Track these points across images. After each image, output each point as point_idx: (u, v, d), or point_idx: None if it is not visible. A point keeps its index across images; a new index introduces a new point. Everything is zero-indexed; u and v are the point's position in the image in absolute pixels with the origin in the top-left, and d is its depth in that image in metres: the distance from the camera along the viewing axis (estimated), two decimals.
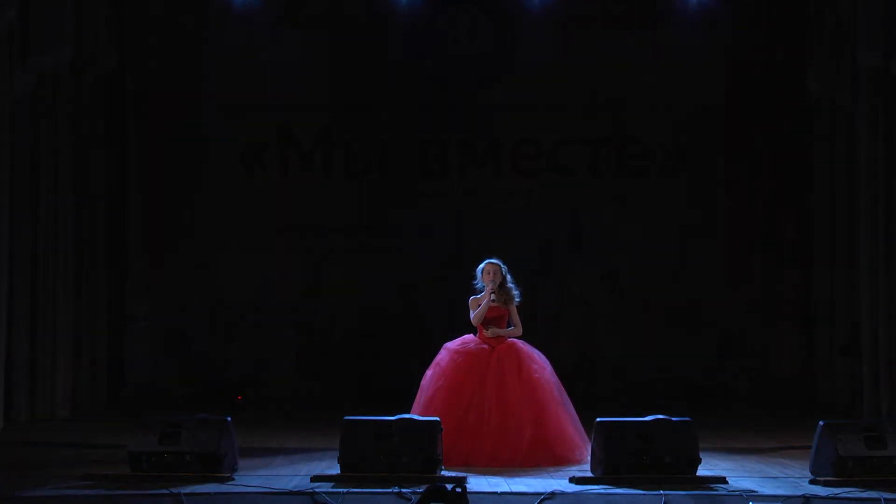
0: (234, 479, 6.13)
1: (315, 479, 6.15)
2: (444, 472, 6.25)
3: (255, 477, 6.34)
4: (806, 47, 10.63)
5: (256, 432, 8.50)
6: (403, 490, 5.74)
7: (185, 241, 10.98)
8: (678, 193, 11.03)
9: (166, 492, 5.71)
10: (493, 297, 7.33)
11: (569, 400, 7.31)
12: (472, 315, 7.42)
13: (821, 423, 6.26)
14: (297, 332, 10.95)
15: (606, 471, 6.14)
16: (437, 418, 6.36)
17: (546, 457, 6.92)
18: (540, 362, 7.32)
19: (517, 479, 6.39)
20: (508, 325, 7.44)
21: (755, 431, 8.96)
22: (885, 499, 5.66)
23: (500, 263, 7.48)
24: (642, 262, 10.97)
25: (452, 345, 7.41)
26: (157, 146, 10.95)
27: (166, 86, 10.92)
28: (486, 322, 7.39)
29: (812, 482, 6.17)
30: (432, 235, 10.83)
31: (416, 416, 6.44)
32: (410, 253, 10.85)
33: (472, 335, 7.48)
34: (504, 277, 7.46)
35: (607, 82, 10.96)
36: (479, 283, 7.51)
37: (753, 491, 5.94)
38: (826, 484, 6.04)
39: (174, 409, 9.75)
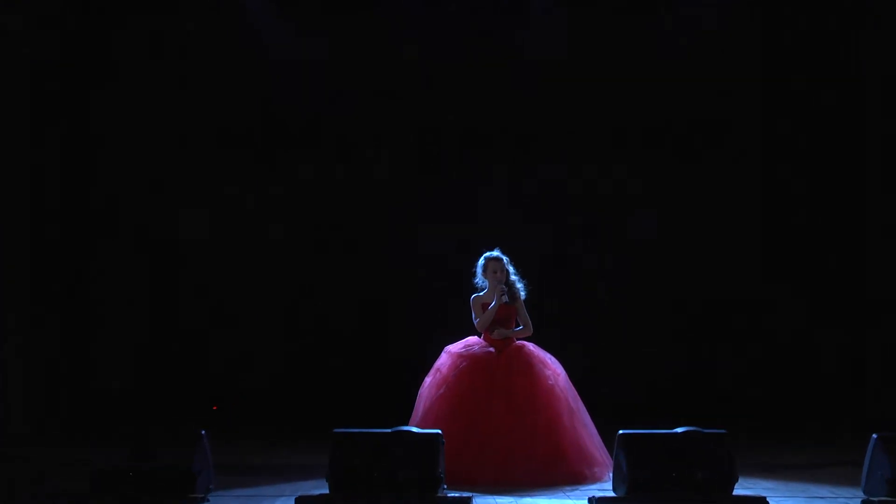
0: (209, 501, 6.10)
1: (301, 500, 6.10)
2: (447, 492, 6.20)
3: (233, 498, 6.32)
4: (856, 15, 10.54)
5: (235, 446, 8.48)
6: None
7: (157, 236, 10.83)
8: (708, 178, 10.90)
9: None
10: (505, 298, 7.27)
11: (585, 410, 7.27)
12: (475, 320, 7.36)
13: (874, 436, 6.19)
14: (284, 334, 10.86)
15: (631, 489, 6.08)
16: (439, 430, 6.31)
17: (562, 474, 6.87)
18: (553, 367, 7.27)
19: (529, 500, 6.34)
20: (516, 325, 7.40)
21: (798, 445, 8.93)
22: None
23: (503, 257, 7.44)
24: (668, 255, 10.84)
25: (454, 348, 7.35)
26: (125, 130, 10.81)
27: (135, 62, 10.81)
28: (494, 325, 7.33)
29: (864, 503, 6.13)
30: (434, 229, 10.75)
31: (414, 429, 6.39)
32: (410, 247, 10.77)
33: (475, 337, 7.43)
34: (509, 272, 7.42)
35: (625, 59, 10.81)
36: (478, 280, 7.47)
37: None
38: None
39: (143, 420, 9.74)
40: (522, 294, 7.44)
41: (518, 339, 7.36)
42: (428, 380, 7.28)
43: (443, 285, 9.92)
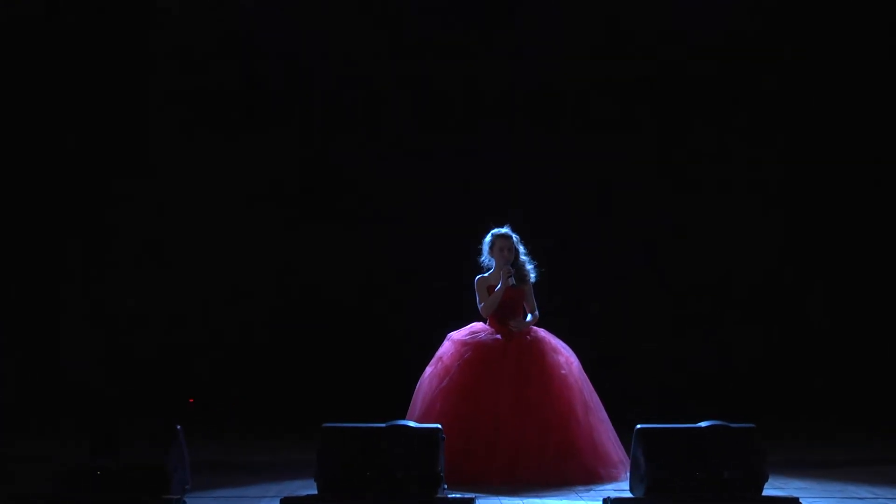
0: (185, 502, 6.04)
1: (287, 501, 6.05)
2: (448, 493, 6.14)
3: (211, 499, 6.30)
4: None
5: (214, 443, 8.50)
6: None
7: (127, 215, 10.82)
8: (734, 148, 10.84)
9: None
10: (512, 281, 7.20)
11: (601, 403, 7.21)
12: (480, 303, 7.28)
13: None
14: (267, 320, 10.85)
15: (649, 490, 6.01)
16: (439, 425, 6.25)
17: (575, 472, 6.82)
18: (567, 355, 7.21)
19: (538, 501, 6.30)
20: (523, 311, 7.32)
21: (833, 441, 8.94)
22: None
23: (513, 234, 7.37)
24: (689, 235, 10.81)
25: (458, 335, 7.27)
26: (92, 100, 10.72)
27: (103, 25, 10.71)
28: (501, 310, 7.24)
29: None
30: (433, 203, 10.69)
31: (412, 423, 6.32)
32: (406, 224, 10.72)
33: (481, 323, 7.35)
34: (518, 251, 7.34)
35: (645, 10, 10.77)
36: (485, 258, 7.39)
37: None
38: None
39: (112, 414, 9.68)
40: (532, 276, 7.37)
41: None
42: (429, 370, 7.20)
43: (445, 266, 9.86)
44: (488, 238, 7.38)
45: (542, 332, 7.27)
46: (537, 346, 7.15)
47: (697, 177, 10.81)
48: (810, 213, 10.83)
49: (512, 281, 7.20)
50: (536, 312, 7.34)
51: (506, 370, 7.04)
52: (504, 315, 7.27)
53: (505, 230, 7.37)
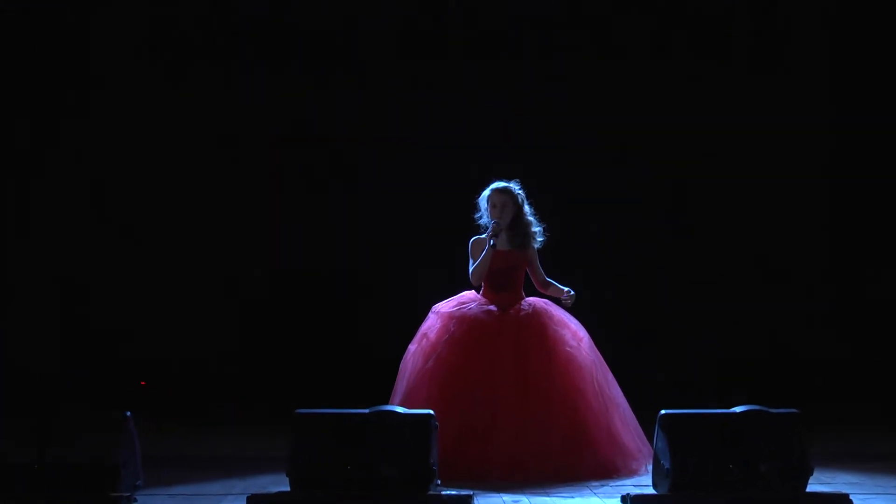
0: (136, 501, 5.99)
1: (254, 499, 5.98)
2: (442, 490, 6.06)
3: (167, 497, 6.29)
4: None
5: (171, 433, 8.55)
6: None
7: (71, 171, 10.79)
8: (776, 88, 10.81)
9: None
10: (493, 242, 7.08)
11: (617, 385, 7.15)
12: (470, 267, 7.21)
13: None
14: (231, 293, 10.85)
15: (675, 485, 5.94)
16: (431, 411, 6.19)
17: (587, 465, 6.78)
18: (574, 329, 7.14)
19: (545, 499, 6.27)
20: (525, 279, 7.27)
21: (888, 429, 9.01)
22: None
23: (515, 189, 7.26)
24: (723, 188, 10.79)
25: (445, 307, 7.20)
26: (20, 33, 10.69)
27: None
28: (496, 277, 7.16)
29: None
30: (424, 153, 10.65)
31: (399, 409, 6.27)
32: (393, 182, 10.69)
33: (471, 292, 7.27)
34: (520, 209, 7.24)
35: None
36: (483, 217, 7.30)
37: None
38: None
39: (53, 400, 9.71)
40: (538, 241, 7.27)
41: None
42: (412, 347, 7.14)
43: (436, 231, 9.86)
44: (485, 192, 7.30)
45: (543, 303, 7.19)
46: (538, 319, 7.08)
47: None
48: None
49: (493, 241, 7.08)
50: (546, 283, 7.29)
51: (501, 346, 6.97)
52: (500, 283, 7.19)
53: (503, 184, 7.27)
